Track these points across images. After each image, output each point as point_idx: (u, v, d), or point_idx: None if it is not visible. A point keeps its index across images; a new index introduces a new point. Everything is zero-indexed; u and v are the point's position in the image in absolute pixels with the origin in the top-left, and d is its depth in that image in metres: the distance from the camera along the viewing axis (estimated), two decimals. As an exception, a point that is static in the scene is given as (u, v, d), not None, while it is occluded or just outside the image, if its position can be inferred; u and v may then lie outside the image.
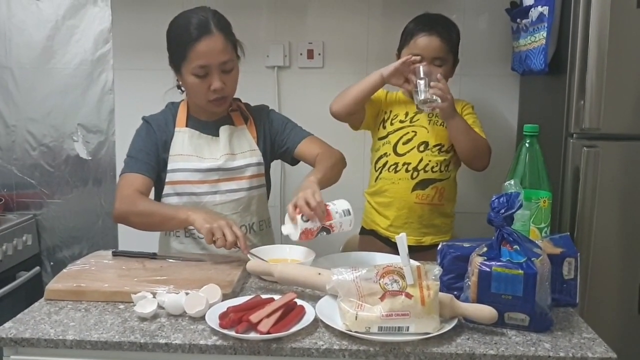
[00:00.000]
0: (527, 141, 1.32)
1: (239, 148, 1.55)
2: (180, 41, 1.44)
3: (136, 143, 1.52)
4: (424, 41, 1.62)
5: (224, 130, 1.54)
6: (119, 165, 2.21)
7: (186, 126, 1.53)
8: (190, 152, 1.51)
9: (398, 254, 1.04)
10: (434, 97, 1.54)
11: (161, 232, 1.59)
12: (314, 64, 2.10)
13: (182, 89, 1.61)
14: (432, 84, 1.55)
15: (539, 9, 1.64)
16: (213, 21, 1.44)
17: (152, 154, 1.50)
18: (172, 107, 1.59)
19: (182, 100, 1.60)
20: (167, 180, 1.51)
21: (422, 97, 1.55)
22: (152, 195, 1.54)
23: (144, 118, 1.57)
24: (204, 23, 1.43)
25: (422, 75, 1.56)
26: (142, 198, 1.44)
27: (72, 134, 2.27)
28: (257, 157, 1.56)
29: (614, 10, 1.44)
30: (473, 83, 2.07)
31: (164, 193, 1.53)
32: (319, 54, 2.09)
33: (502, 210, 1.05)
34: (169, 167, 1.51)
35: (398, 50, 1.72)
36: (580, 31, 1.49)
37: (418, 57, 1.60)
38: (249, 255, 1.30)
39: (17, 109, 2.27)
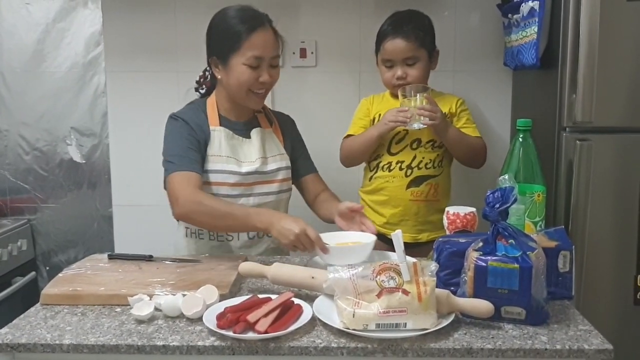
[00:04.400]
0: (521, 136, 1.32)
1: (270, 151, 1.56)
2: (233, 32, 1.44)
3: (179, 141, 1.46)
4: (389, 46, 1.64)
5: (256, 132, 1.55)
6: (113, 168, 2.21)
7: (220, 125, 1.52)
8: (228, 154, 1.50)
9: (394, 250, 1.05)
10: (423, 119, 1.56)
11: (185, 235, 1.57)
12: (307, 63, 2.10)
13: (201, 90, 1.61)
14: (418, 108, 1.56)
15: (530, 3, 1.65)
16: (264, 16, 1.48)
17: (198, 152, 1.47)
18: (201, 104, 1.55)
19: (205, 98, 1.58)
20: (204, 180, 1.47)
21: (413, 126, 1.58)
22: None
23: (176, 116, 1.51)
24: (257, 16, 1.47)
25: (409, 97, 1.58)
26: (211, 197, 1.42)
27: (65, 138, 2.26)
28: (286, 161, 1.59)
29: (604, 3, 1.44)
30: (466, 79, 2.08)
31: None
32: (312, 53, 2.09)
33: (497, 205, 1.06)
34: (208, 168, 1.48)
35: (375, 53, 1.73)
36: (570, 25, 1.50)
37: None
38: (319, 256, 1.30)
39: (8, 113, 2.26)
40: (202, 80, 1.63)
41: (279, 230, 1.30)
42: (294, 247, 1.30)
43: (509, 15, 1.82)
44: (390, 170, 1.69)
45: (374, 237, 1.33)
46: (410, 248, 1.59)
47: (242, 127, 1.55)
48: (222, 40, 1.47)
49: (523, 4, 1.69)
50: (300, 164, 1.65)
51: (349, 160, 1.76)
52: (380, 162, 1.71)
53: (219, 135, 1.50)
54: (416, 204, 1.68)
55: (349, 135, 1.75)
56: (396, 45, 1.63)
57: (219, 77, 1.51)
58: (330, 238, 1.32)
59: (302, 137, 1.70)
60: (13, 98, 2.25)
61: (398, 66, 1.65)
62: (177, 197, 1.39)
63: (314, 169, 1.68)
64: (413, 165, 1.67)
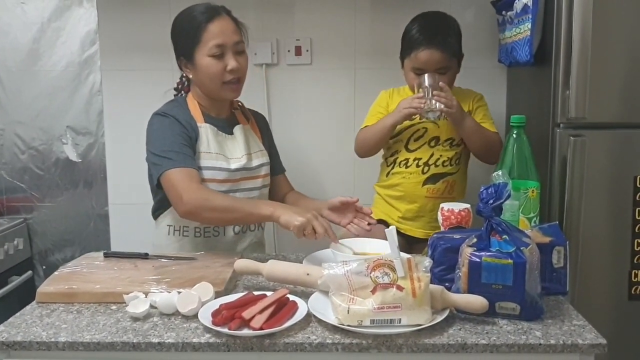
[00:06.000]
0: (515, 132, 1.33)
1: (252, 148, 1.58)
2: (192, 27, 1.47)
3: (172, 137, 1.45)
4: (424, 55, 1.61)
5: (239, 129, 1.57)
6: (109, 167, 2.21)
7: (205, 122, 1.52)
8: (217, 151, 1.51)
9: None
10: (438, 105, 1.54)
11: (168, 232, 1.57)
12: (302, 61, 2.10)
13: (181, 92, 1.62)
14: (434, 93, 1.55)
15: (523, 0, 1.65)
16: (220, 7, 1.50)
17: (191, 148, 1.47)
18: (182, 102, 1.56)
19: (184, 96, 1.59)
20: None
21: (426, 107, 1.56)
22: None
23: (164, 113, 1.49)
24: (212, 7, 1.49)
25: (426, 84, 1.57)
26: (215, 193, 1.42)
27: (61, 137, 2.26)
28: (265, 157, 1.61)
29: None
30: (461, 76, 2.05)
31: None
32: (307, 51, 2.09)
33: (491, 201, 1.06)
34: (199, 164, 1.47)
35: (400, 58, 1.70)
36: (564, 21, 1.50)
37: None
38: (332, 247, 1.30)
39: (4, 112, 2.25)
40: (180, 87, 1.65)
41: (290, 214, 1.30)
42: (302, 231, 1.28)
43: (503, 12, 1.83)
44: (407, 167, 1.69)
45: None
46: (423, 243, 1.59)
47: (224, 123, 1.56)
48: (183, 38, 1.50)
49: (517, 0, 1.69)
50: (274, 162, 1.67)
51: (363, 150, 1.73)
52: (398, 157, 1.71)
53: (205, 132, 1.51)
54: (432, 201, 1.68)
55: (365, 127, 1.73)
56: (431, 56, 1.60)
57: (190, 76, 1.53)
58: (347, 245, 1.33)
59: (272, 137, 1.72)
60: (8, 97, 2.24)
61: None
62: (181, 195, 1.37)
63: (283, 168, 1.72)
64: (430, 162, 1.67)
